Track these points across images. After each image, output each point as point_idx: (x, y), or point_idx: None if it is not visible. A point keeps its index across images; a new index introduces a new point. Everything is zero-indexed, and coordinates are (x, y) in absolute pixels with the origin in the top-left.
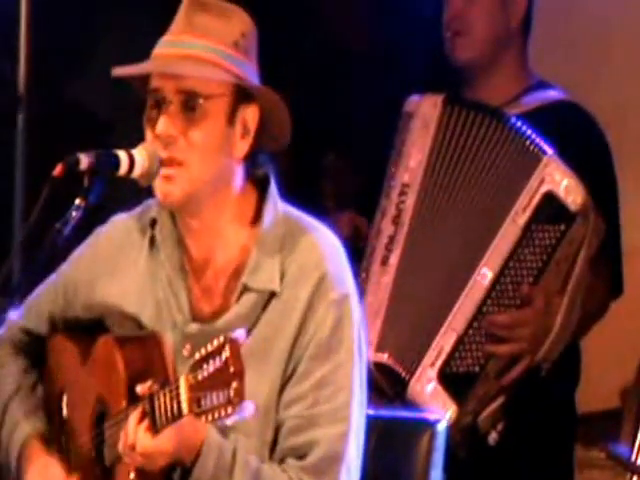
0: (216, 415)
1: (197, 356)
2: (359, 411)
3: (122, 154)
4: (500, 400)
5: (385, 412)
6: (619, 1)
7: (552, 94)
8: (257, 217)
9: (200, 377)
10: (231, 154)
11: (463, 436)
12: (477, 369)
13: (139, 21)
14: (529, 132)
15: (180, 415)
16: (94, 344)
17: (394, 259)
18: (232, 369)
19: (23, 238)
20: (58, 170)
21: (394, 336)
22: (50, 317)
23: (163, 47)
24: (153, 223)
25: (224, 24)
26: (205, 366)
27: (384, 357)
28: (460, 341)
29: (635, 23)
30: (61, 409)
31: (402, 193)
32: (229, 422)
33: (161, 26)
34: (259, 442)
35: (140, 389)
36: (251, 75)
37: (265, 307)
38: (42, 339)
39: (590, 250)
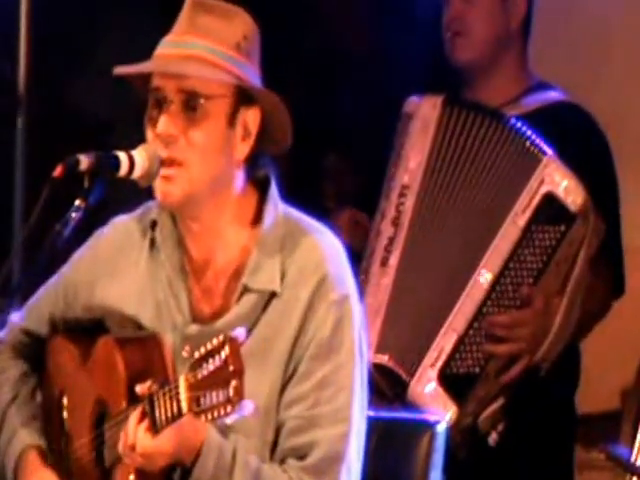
0: (216, 414)
1: (196, 355)
2: (360, 412)
3: (122, 155)
4: (500, 401)
5: (385, 413)
6: (619, 1)
7: (552, 95)
8: (257, 218)
9: (199, 376)
10: (232, 156)
11: (463, 437)
12: (477, 370)
13: (139, 21)
14: (529, 133)
15: (180, 414)
16: (94, 345)
17: (394, 260)
18: (231, 368)
19: (23, 239)
20: (58, 171)
21: (394, 337)
22: (50, 318)
23: (165, 47)
24: (153, 225)
25: (227, 26)
26: (204, 365)
27: (385, 359)
28: (460, 342)
29: (635, 23)
30: (61, 410)
31: (402, 194)
32: (229, 421)
33: (161, 26)
34: (260, 442)
35: (139, 389)
36: (253, 77)
37: (265, 308)
38: (42, 340)
39: (590, 250)
